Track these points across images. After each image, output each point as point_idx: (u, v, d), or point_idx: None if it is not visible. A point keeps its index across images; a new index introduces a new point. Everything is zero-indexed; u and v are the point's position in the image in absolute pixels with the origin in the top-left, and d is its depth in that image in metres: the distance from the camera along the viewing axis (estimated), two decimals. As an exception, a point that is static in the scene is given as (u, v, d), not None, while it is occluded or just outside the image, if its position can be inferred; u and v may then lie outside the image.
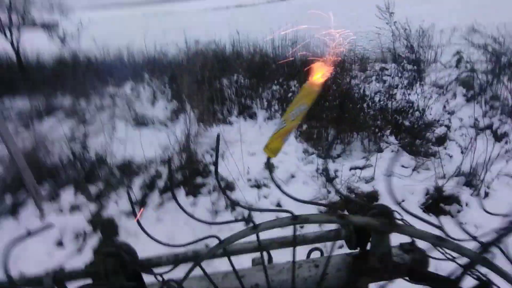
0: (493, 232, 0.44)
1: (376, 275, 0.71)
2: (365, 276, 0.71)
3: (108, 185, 2.79)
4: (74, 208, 2.56)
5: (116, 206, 2.59)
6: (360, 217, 0.62)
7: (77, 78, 6.23)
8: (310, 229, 0.92)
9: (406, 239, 0.62)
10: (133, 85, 6.17)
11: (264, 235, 0.56)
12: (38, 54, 7.55)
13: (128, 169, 3.07)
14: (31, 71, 6.93)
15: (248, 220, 0.56)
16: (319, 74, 0.59)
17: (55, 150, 3.30)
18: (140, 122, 4.48)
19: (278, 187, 0.55)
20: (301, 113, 0.57)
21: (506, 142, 3.06)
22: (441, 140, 3.16)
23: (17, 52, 6.84)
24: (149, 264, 0.66)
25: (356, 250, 0.94)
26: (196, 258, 0.53)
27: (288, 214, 0.52)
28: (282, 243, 0.83)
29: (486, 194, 2.36)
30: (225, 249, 0.54)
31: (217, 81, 5.10)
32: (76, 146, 3.44)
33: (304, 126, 3.60)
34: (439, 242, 0.49)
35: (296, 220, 0.51)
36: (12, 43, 6.76)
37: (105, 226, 2.14)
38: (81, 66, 6.85)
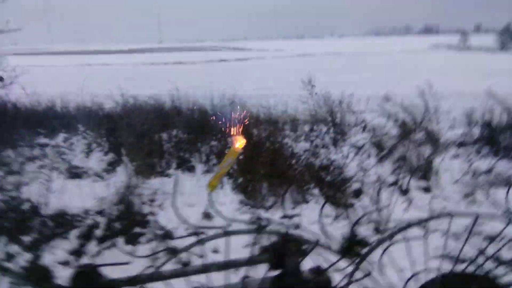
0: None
1: None
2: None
3: (43, 235, 2.70)
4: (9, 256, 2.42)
5: (52, 256, 2.51)
6: (274, 230, 0.90)
7: (3, 127, 5.92)
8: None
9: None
10: (66, 137, 6.03)
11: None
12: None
13: (62, 220, 3.00)
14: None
15: (197, 233, 0.80)
16: (239, 142, 0.96)
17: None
18: (74, 173, 4.38)
19: (212, 204, 0.83)
20: (230, 163, 0.93)
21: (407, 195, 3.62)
22: (357, 193, 3.63)
23: None
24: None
25: (276, 272, 1.24)
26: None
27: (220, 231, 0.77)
28: (218, 265, 1.07)
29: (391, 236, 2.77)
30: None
31: (156, 135, 5.25)
32: (5, 196, 3.27)
33: (240, 179, 3.87)
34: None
35: (227, 231, 0.75)
36: None
37: (40, 275, 2.07)
38: (7, 115, 6.53)
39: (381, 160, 4.51)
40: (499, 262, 1.31)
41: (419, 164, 4.28)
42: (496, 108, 6.17)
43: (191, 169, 4.50)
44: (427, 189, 3.90)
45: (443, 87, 16.16)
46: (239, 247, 1.71)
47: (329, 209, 3.31)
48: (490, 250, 1.27)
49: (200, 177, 4.24)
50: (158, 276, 0.96)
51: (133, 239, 2.78)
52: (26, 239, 2.71)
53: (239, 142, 1.02)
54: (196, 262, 2.42)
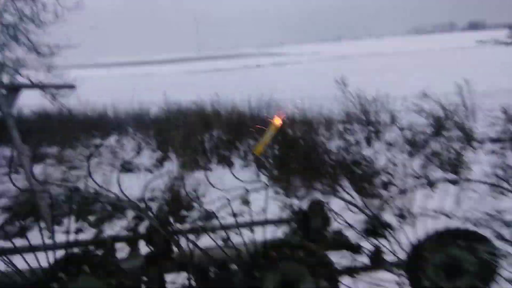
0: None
1: None
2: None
3: (104, 216, 3.18)
4: (79, 231, 2.92)
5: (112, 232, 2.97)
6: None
7: (64, 130, 6.67)
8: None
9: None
10: (117, 138, 6.68)
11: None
12: (25, 107, 8.00)
13: (119, 204, 3.48)
14: (19, 123, 7.30)
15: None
16: (278, 119, 1.37)
17: (53, 189, 3.68)
18: (127, 168, 4.93)
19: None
20: (271, 135, 1.34)
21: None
22: (386, 185, 3.82)
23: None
24: None
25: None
26: None
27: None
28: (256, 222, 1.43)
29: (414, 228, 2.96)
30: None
31: (199, 136, 5.72)
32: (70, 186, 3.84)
33: (275, 172, 4.19)
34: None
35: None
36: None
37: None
38: (69, 120, 7.32)
39: (411, 155, 4.63)
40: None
41: (450, 158, 4.37)
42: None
43: (230, 164, 4.89)
44: (455, 182, 3.99)
45: (489, 84, 15.57)
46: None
47: (358, 200, 3.52)
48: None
49: (239, 170, 4.61)
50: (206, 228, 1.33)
51: (180, 220, 3.19)
52: (92, 218, 3.21)
53: (278, 118, 1.44)
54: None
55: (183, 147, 5.11)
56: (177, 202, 3.44)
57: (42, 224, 2.94)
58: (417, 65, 27.60)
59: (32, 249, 1.50)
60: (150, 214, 1.78)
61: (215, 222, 3.18)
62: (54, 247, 1.64)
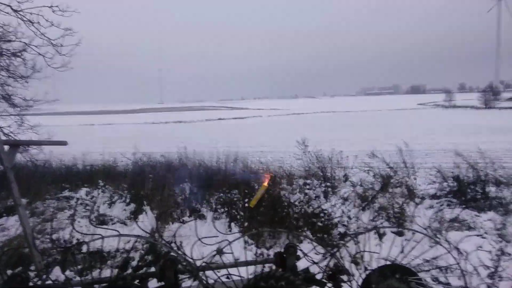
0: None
1: None
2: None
3: (86, 267, 3.39)
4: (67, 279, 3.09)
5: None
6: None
7: (32, 182, 6.69)
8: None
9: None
10: (88, 190, 6.79)
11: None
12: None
13: (99, 256, 3.69)
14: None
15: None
16: (266, 180, 2.00)
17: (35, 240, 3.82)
18: (101, 220, 5.11)
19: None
20: (262, 193, 1.97)
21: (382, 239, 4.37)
22: (342, 235, 4.38)
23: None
24: None
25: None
26: None
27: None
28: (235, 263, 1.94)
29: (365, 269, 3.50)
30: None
31: (170, 188, 6.05)
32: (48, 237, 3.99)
33: (246, 224, 4.62)
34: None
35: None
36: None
37: None
38: (37, 172, 7.35)
39: (363, 209, 5.30)
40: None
41: (396, 213, 5.07)
42: (466, 164, 7.08)
43: (201, 217, 5.24)
44: (400, 233, 4.66)
45: (431, 144, 17.33)
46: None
47: (319, 248, 4.02)
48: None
49: (210, 223, 4.97)
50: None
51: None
52: (75, 268, 3.41)
53: (265, 180, 2.06)
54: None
55: (155, 200, 5.42)
56: (155, 252, 3.73)
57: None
58: (366, 124, 30.07)
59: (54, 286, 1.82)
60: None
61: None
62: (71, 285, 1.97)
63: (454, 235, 4.38)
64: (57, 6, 6.13)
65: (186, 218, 5.14)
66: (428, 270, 3.61)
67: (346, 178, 6.99)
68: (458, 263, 2.65)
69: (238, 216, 4.79)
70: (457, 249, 3.47)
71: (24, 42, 6.40)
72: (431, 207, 6.11)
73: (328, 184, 6.60)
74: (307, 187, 6.70)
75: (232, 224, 4.78)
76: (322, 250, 4.09)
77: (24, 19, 6.15)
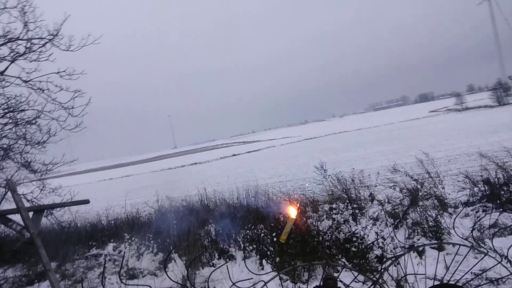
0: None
1: None
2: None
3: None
4: None
5: None
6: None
7: (60, 245, 6.71)
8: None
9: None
10: (115, 245, 6.75)
11: None
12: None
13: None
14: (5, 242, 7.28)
15: None
16: (292, 212, 1.93)
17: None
18: (131, 275, 5.02)
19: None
20: (290, 226, 1.88)
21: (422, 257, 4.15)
22: (380, 259, 4.17)
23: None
24: None
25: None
26: None
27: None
28: None
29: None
30: None
31: (196, 232, 5.96)
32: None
33: (277, 259, 4.47)
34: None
35: None
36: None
37: None
38: (62, 233, 7.38)
39: (396, 227, 5.09)
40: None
41: (431, 227, 4.85)
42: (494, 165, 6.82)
43: (231, 257, 5.11)
44: (441, 248, 4.42)
45: (451, 149, 16.90)
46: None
47: (359, 276, 3.83)
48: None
49: (241, 263, 4.83)
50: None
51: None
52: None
53: (292, 212, 1.99)
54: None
55: (183, 247, 5.33)
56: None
57: None
58: (381, 139, 29.68)
59: None
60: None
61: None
62: None
63: (499, 241, 4.13)
64: (64, 71, 6.41)
65: (215, 261, 5.02)
66: (479, 285, 3.38)
67: (372, 197, 6.80)
68: (511, 273, 2.48)
69: (268, 252, 4.65)
70: (507, 257, 3.26)
71: (37, 110, 6.65)
72: (467, 215, 5.83)
73: (355, 205, 6.42)
74: (334, 211, 6.52)
75: (264, 261, 4.63)
76: (362, 278, 3.90)
77: (35, 87, 6.44)
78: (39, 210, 3.40)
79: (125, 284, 2.80)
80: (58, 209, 7.54)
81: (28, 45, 6.31)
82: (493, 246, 3.47)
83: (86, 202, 3.71)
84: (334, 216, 6.29)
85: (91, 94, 7.06)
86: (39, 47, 6.39)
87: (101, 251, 6.45)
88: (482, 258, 3.11)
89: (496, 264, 2.63)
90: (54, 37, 6.40)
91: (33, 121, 6.85)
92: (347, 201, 6.76)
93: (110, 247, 6.65)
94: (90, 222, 8.14)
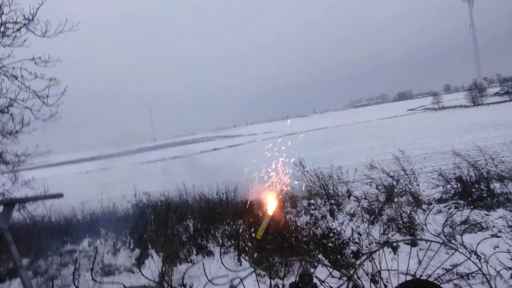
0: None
1: None
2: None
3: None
4: None
5: None
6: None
7: (32, 240, 6.50)
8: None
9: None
10: (90, 241, 6.60)
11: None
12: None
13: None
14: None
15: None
16: (269, 208, 1.96)
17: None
18: (106, 272, 4.93)
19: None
20: (267, 222, 1.92)
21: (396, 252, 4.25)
22: (356, 254, 4.26)
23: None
24: None
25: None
26: None
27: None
28: None
29: (385, 286, 3.36)
30: None
31: (174, 228, 5.90)
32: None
33: (255, 255, 4.48)
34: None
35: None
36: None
37: None
38: (35, 228, 7.15)
39: (372, 222, 5.19)
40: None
41: (405, 223, 4.98)
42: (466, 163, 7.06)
43: (209, 253, 5.09)
44: (414, 244, 4.54)
45: (426, 148, 17.35)
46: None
47: (334, 272, 3.89)
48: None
49: (219, 258, 4.81)
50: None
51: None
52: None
53: (270, 208, 2.03)
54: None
55: (160, 243, 5.27)
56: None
57: None
58: (360, 135, 30.20)
59: None
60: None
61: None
62: None
63: (468, 238, 4.28)
64: (39, 58, 6.15)
65: (193, 257, 4.99)
66: (450, 280, 3.49)
67: (349, 193, 6.91)
68: (480, 269, 2.57)
69: (247, 248, 4.65)
70: (476, 253, 3.38)
71: (10, 98, 6.38)
72: (440, 211, 6.01)
73: (332, 201, 6.51)
74: (312, 207, 6.59)
75: (241, 257, 4.63)
76: (338, 274, 3.96)
77: (8, 74, 6.17)
78: (10, 203, 3.28)
79: (99, 282, 2.74)
80: (31, 202, 7.28)
81: (2, 29, 6.03)
82: (463, 242, 3.59)
83: (60, 196, 3.60)
84: (312, 211, 6.35)
85: (67, 83, 6.81)
86: (13, 32, 6.12)
87: (76, 247, 6.29)
88: (452, 254, 3.21)
89: (466, 260, 2.72)
90: (30, 22, 6.13)
91: (5, 110, 6.57)
92: (325, 197, 6.84)
93: (85, 242, 6.50)
94: (65, 217, 7.92)
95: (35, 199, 4.07)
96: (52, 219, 7.74)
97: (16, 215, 6.93)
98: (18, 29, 6.11)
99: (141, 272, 2.89)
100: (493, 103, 44.45)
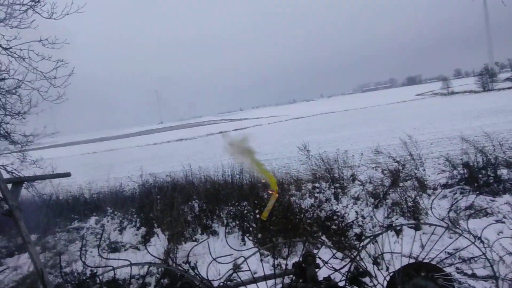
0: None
1: None
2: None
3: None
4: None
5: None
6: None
7: (41, 217, 6.63)
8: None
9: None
10: (97, 219, 6.72)
11: None
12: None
13: (116, 285, 3.62)
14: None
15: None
16: (274, 189, 1.93)
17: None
18: (113, 248, 5.03)
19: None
20: (273, 203, 1.89)
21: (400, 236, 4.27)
22: (359, 236, 4.28)
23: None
24: None
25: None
26: None
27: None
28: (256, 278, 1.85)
29: (387, 268, 3.39)
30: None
31: (180, 208, 5.97)
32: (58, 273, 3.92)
33: (259, 235, 4.53)
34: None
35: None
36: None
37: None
38: (43, 206, 7.29)
39: (376, 206, 5.20)
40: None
41: (409, 207, 4.97)
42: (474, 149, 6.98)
43: (214, 233, 5.16)
44: (418, 228, 4.55)
45: (434, 133, 17.16)
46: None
47: (337, 253, 3.93)
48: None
49: (223, 238, 4.88)
50: None
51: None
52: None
53: (274, 189, 2.00)
54: None
55: (166, 222, 5.34)
56: (171, 273, 3.65)
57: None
58: (367, 120, 29.95)
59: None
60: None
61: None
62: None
63: (473, 223, 4.28)
64: (46, 40, 6.13)
65: (198, 236, 5.06)
66: (453, 264, 3.51)
67: (354, 177, 6.90)
68: (484, 253, 2.56)
69: (251, 229, 4.71)
70: (480, 238, 3.37)
71: (18, 79, 6.40)
72: (445, 197, 6.00)
73: (337, 185, 6.51)
74: (317, 190, 6.60)
75: (245, 237, 4.69)
76: (341, 255, 4.00)
77: (15, 55, 6.16)
78: (19, 182, 3.32)
79: (105, 258, 2.80)
80: (39, 181, 7.40)
81: (9, 10, 5.99)
82: (467, 227, 3.58)
83: (67, 175, 3.63)
84: (316, 194, 6.37)
85: (75, 64, 6.80)
86: (20, 13, 6.08)
87: (83, 224, 6.42)
88: (456, 239, 3.21)
89: (470, 245, 2.72)
90: (36, 3, 6.08)
91: (14, 91, 6.60)
92: (330, 181, 6.85)
93: (92, 220, 6.62)
94: (72, 195, 8.06)
95: (43, 177, 4.12)
96: (60, 198, 7.89)
97: (25, 193, 7.05)
98: (25, 11, 6.06)
99: (147, 250, 2.93)
100: (503, 89, 43.63)
